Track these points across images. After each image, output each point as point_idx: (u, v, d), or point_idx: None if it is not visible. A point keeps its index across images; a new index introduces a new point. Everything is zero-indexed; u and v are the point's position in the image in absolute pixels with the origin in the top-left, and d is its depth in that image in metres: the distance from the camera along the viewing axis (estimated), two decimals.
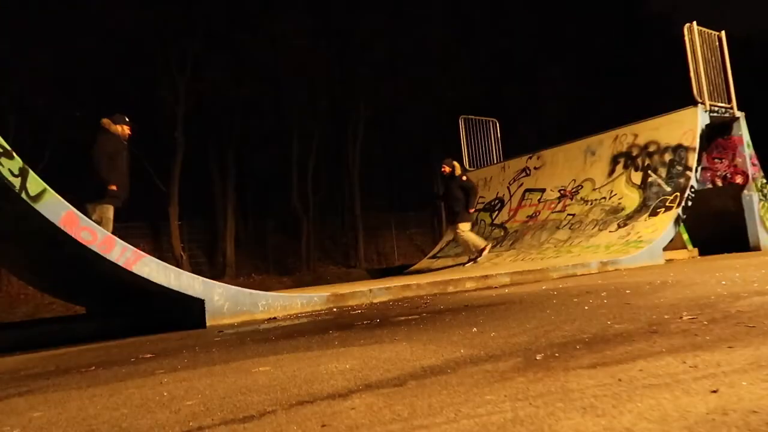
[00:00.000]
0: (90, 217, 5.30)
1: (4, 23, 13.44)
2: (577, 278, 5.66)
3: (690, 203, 7.80)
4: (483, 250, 8.43)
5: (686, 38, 8.46)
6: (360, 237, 19.21)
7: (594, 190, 9.22)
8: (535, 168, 10.73)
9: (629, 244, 7.48)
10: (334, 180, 20.50)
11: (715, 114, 8.49)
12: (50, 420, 1.64)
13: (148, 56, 15.16)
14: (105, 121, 6.02)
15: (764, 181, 8.98)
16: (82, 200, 5.51)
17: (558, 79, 22.89)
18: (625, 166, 8.91)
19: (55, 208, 3.74)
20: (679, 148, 8.23)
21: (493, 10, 22.83)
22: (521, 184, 10.89)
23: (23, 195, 3.62)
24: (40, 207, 3.68)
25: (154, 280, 4.06)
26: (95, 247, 3.85)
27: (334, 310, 4.67)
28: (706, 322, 2.14)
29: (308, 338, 2.90)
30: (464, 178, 8.63)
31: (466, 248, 8.59)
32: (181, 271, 4.34)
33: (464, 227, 8.50)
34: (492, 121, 12.72)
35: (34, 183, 3.69)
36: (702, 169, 8.88)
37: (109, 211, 5.78)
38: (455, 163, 8.73)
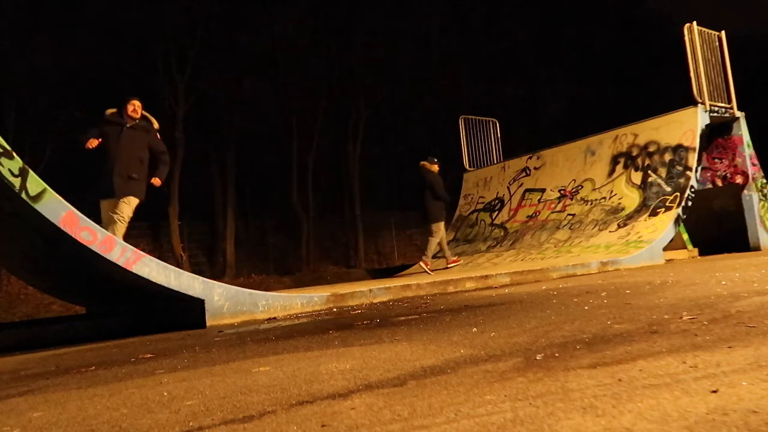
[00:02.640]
0: (433, 234, 8.87)
1: (5, 23, 13.44)
2: (577, 278, 5.66)
3: (690, 203, 7.80)
4: None
5: (686, 38, 8.46)
6: (360, 237, 19.20)
7: (594, 190, 9.22)
8: (535, 168, 10.74)
9: (629, 244, 7.48)
10: (334, 180, 20.50)
11: (715, 114, 8.49)
12: (50, 420, 1.64)
13: (148, 56, 15.16)
14: (426, 164, 9.01)
15: (764, 181, 8.98)
16: (83, 200, 5.54)
17: (558, 79, 22.90)
18: (625, 166, 8.91)
19: (55, 208, 3.74)
20: (679, 148, 8.23)
21: (492, 10, 22.85)
22: (521, 184, 10.89)
23: (23, 195, 3.62)
24: (40, 207, 3.68)
25: (154, 280, 4.06)
26: (95, 247, 3.85)
27: (334, 310, 4.67)
28: (706, 322, 2.14)
29: (308, 338, 2.90)
30: (159, 136, 5.66)
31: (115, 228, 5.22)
32: (181, 271, 4.34)
33: (132, 202, 5.42)
34: (492, 121, 12.72)
35: (34, 183, 3.69)
36: (702, 169, 8.88)
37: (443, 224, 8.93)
38: (148, 115, 5.59)
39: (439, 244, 8.98)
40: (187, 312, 4.32)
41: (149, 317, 4.88)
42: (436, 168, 8.99)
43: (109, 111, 5.59)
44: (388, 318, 3.53)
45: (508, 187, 11.17)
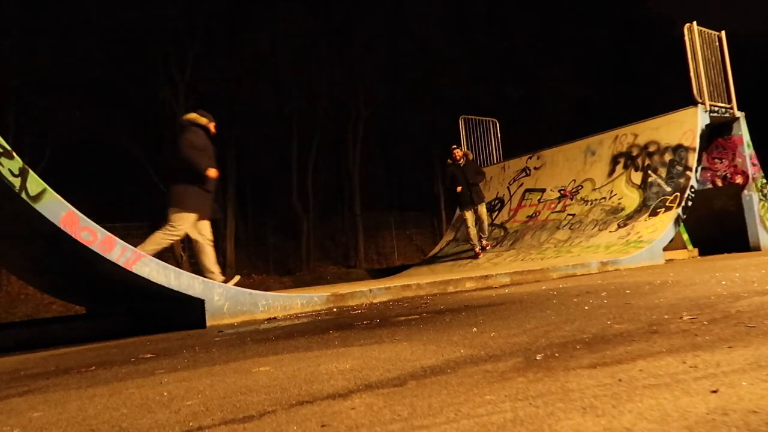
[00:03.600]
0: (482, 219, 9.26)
1: (5, 23, 13.44)
2: (577, 278, 5.66)
3: (690, 203, 7.80)
4: None
5: (686, 38, 8.46)
6: (360, 237, 19.20)
7: (594, 190, 9.21)
8: (535, 168, 10.73)
9: (629, 244, 7.48)
10: (334, 180, 20.50)
11: (715, 114, 8.49)
12: (50, 420, 1.64)
13: (148, 56, 15.16)
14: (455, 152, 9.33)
15: (764, 181, 8.98)
16: (83, 200, 5.52)
17: (558, 79, 22.91)
18: (625, 166, 8.91)
19: (55, 208, 3.74)
20: (679, 148, 8.23)
21: (493, 10, 22.86)
22: (521, 184, 10.89)
23: (23, 195, 3.62)
24: (40, 207, 3.68)
25: (154, 280, 4.06)
26: (95, 247, 3.84)
27: (334, 310, 4.67)
28: (706, 322, 2.14)
29: (308, 338, 2.90)
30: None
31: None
32: (181, 271, 4.34)
33: None
34: (492, 121, 12.72)
35: (34, 183, 3.69)
36: (702, 169, 8.88)
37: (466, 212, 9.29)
38: None
39: (468, 230, 9.44)
40: (187, 312, 4.32)
41: (149, 317, 4.88)
42: (449, 161, 9.51)
43: (207, 121, 5.51)
44: (388, 318, 3.53)
45: (508, 187, 11.17)
